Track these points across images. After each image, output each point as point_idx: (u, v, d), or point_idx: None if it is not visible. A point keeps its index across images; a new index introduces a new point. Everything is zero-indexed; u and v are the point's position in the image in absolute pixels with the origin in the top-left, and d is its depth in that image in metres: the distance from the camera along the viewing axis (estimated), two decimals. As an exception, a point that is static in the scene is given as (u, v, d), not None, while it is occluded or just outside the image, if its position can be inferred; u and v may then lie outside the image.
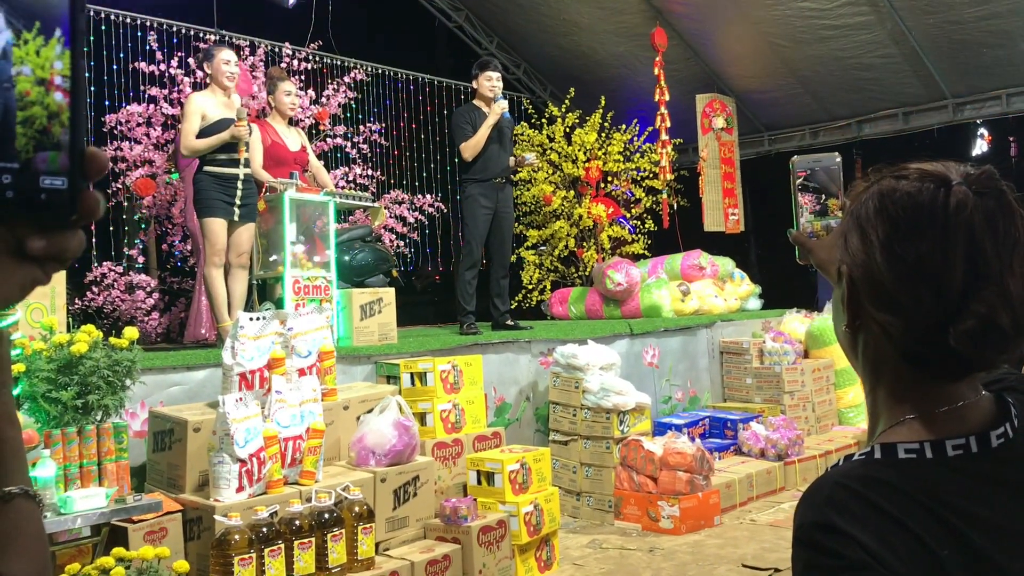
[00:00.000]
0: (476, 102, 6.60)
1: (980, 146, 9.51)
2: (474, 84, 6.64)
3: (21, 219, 0.52)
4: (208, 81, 5.45)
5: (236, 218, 5.23)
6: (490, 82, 6.53)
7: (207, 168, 5.21)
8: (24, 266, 0.54)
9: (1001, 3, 7.66)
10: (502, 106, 6.43)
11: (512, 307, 9.06)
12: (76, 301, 6.29)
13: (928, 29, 8.19)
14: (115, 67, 7.17)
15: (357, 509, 3.74)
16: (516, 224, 9.50)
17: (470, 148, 6.43)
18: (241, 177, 5.23)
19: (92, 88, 7.07)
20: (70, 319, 4.48)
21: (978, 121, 9.34)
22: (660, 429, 5.98)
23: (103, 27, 7.16)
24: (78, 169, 0.52)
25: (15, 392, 3.22)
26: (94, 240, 6.87)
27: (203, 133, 5.18)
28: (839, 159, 1.29)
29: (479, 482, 4.46)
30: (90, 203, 0.53)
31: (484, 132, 6.41)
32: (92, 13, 7.13)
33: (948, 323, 0.90)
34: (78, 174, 0.52)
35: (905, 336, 0.94)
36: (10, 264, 0.53)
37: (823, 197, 1.27)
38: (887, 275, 0.94)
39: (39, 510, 0.97)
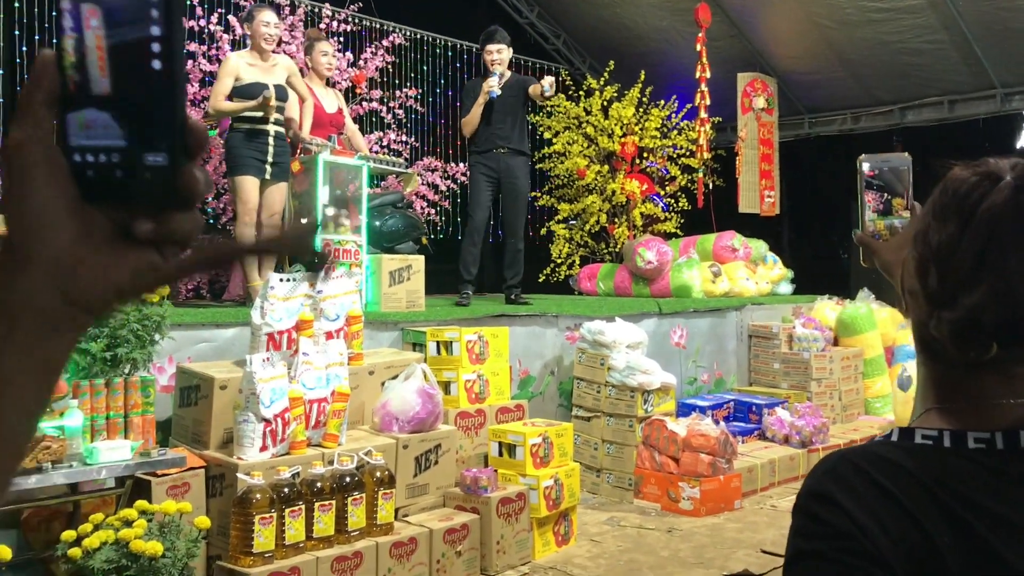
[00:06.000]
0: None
1: (1025, 138, 9.30)
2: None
3: (129, 200, 0.49)
4: (248, 41, 5.42)
5: (267, 176, 5.21)
6: (490, 56, 6.34)
7: (237, 125, 5.18)
8: (136, 250, 0.50)
9: (1058, -9, 7.45)
10: (490, 84, 6.20)
11: (540, 280, 9.06)
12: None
13: (980, 15, 7.99)
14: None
15: (378, 474, 3.75)
16: (547, 197, 9.47)
17: (465, 125, 6.38)
18: (272, 134, 5.20)
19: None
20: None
21: (1024, 112, 9.13)
22: (684, 410, 5.94)
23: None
24: (179, 144, 0.48)
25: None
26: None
27: (235, 94, 5.15)
28: (910, 159, 1.24)
29: (501, 454, 4.46)
30: (188, 179, 0.49)
31: (476, 111, 6.28)
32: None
33: (939, 310, 0.90)
34: (179, 149, 0.48)
35: (915, 321, 0.95)
36: (120, 248, 0.50)
37: (888, 196, 1.22)
38: (911, 259, 0.95)
39: None
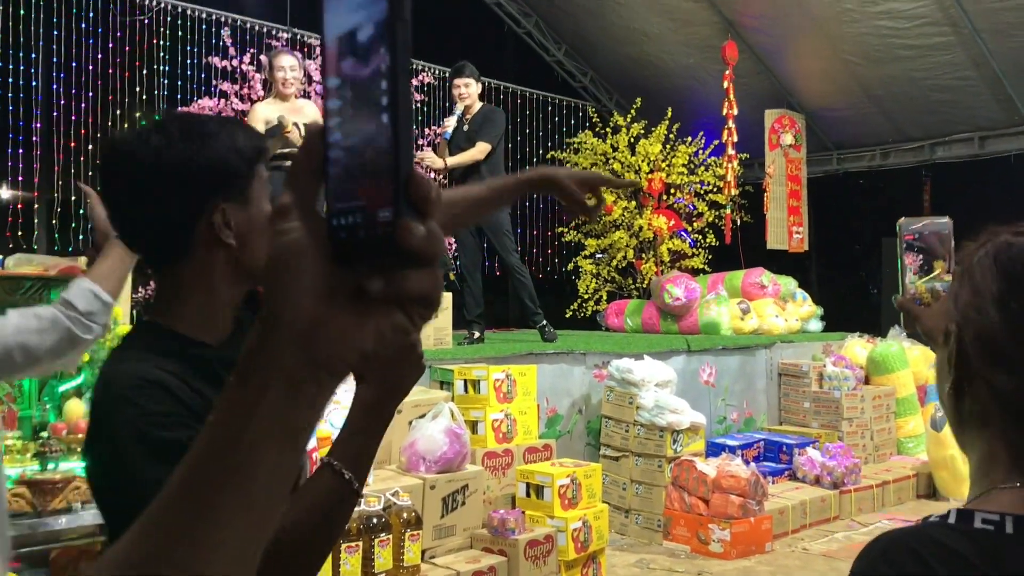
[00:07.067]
0: None
1: (1058, 175, 9.23)
2: None
3: (368, 259, 0.49)
4: (271, 87, 5.54)
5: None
6: (457, 90, 6.16)
7: (273, 164, 5.26)
8: (381, 311, 0.49)
9: (1090, 28, 7.41)
10: (446, 124, 6.06)
11: (567, 316, 9.03)
12: (139, 289, 6.39)
13: (1010, 53, 7.95)
14: (189, 61, 7.30)
15: (405, 515, 3.73)
16: (574, 232, 9.47)
17: (433, 163, 6.05)
18: None
19: (166, 81, 7.21)
20: (134, 310, 4.56)
21: (1057, 150, 9.04)
22: (714, 449, 5.88)
23: (179, 21, 7.29)
24: (403, 198, 0.47)
25: (78, 381, 3.27)
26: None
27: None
28: (951, 223, 1.22)
29: (528, 495, 4.42)
30: (403, 234, 0.47)
31: (441, 151, 6.10)
32: (169, 6, 7.27)
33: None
34: (403, 203, 0.47)
35: (1018, 396, 0.89)
36: (363, 309, 0.49)
37: (929, 258, 1.20)
38: (1002, 332, 0.90)
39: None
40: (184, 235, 1.21)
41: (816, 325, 8.38)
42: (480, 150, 6.02)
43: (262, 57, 6.69)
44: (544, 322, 6.27)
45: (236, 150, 1.22)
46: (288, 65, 5.46)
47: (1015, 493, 0.89)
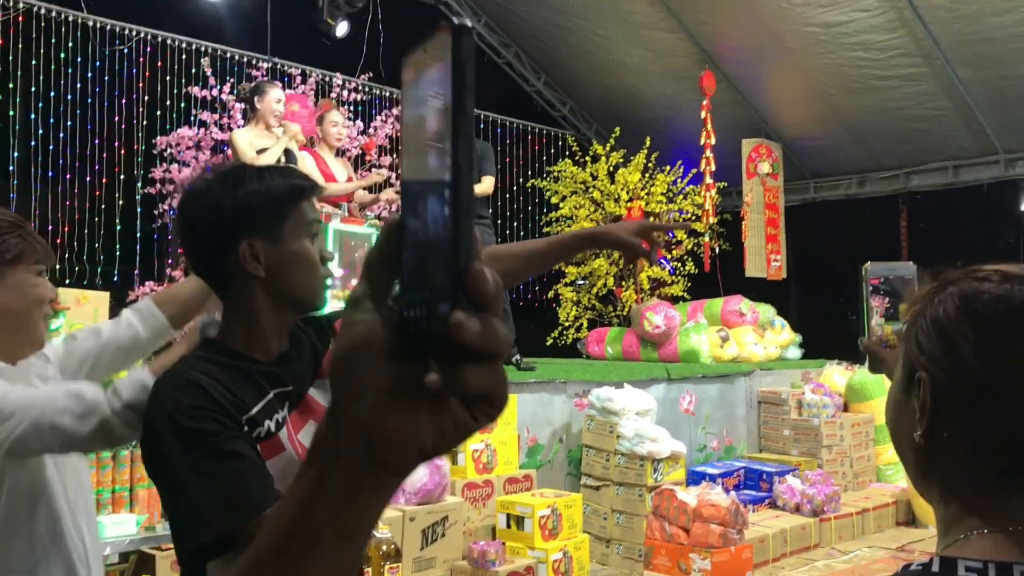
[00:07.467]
0: None
1: (1030, 203, 9.38)
2: None
3: (432, 353, 0.47)
4: (252, 114, 5.56)
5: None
6: None
7: None
8: (443, 408, 0.48)
9: (1059, 60, 7.56)
10: None
11: (548, 344, 9.04)
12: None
13: (982, 84, 8.09)
14: (169, 90, 7.30)
15: (385, 548, 3.70)
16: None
17: None
18: None
19: (145, 110, 7.20)
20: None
21: (1028, 178, 9.19)
22: (694, 477, 5.88)
23: (159, 51, 7.30)
24: (460, 292, 0.46)
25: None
26: (137, 259, 6.98)
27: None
28: (915, 267, 1.23)
29: (509, 526, 4.40)
30: (459, 329, 0.45)
31: None
32: (149, 36, 7.28)
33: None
34: (460, 297, 0.46)
35: (1007, 446, 0.88)
36: (425, 405, 0.48)
37: (895, 302, 1.21)
38: (989, 382, 0.88)
39: None
40: (221, 266, 1.43)
41: (795, 352, 8.43)
42: (490, 184, 6.21)
43: (243, 85, 6.72)
44: (517, 356, 6.30)
45: (266, 192, 1.41)
46: (283, 99, 5.67)
47: (993, 538, 0.88)
